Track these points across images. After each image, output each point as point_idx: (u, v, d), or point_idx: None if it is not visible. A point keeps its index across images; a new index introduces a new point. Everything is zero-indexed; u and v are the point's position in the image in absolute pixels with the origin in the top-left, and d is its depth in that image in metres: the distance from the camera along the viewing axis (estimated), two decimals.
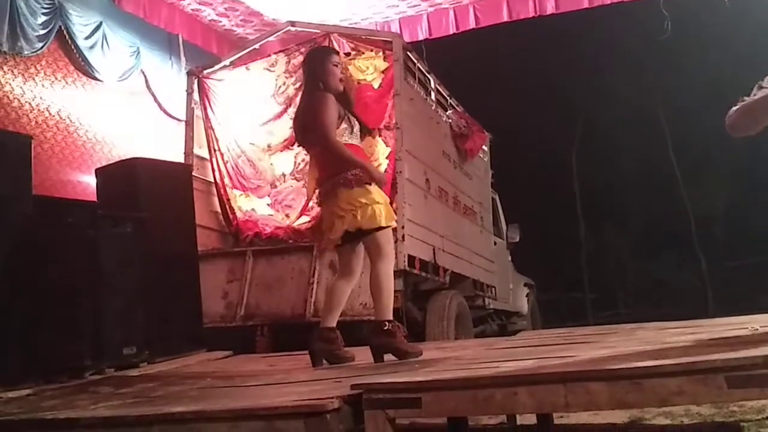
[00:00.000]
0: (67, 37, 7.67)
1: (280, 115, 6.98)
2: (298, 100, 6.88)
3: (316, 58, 4.14)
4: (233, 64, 7.34)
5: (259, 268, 6.22)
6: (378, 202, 3.83)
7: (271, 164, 7.09)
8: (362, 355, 3.99)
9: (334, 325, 3.97)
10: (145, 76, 8.77)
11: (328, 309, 4.00)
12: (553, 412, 3.61)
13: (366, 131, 4.19)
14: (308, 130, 3.99)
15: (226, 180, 7.07)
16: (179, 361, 4.84)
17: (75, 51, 7.79)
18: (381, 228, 3.85)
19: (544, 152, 19.08)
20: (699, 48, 16.38)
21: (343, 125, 3.91)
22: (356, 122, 4.04)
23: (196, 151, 6.99)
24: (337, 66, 4.05)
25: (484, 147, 8.69)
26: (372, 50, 6.75)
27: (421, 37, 9.50)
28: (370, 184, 3.85)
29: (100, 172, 5.57)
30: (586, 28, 15.06)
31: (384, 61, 6.62)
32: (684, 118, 18.13)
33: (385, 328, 3.81)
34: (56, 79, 7.66)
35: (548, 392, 2.15)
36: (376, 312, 3.91)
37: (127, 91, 8.54)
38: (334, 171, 3.87)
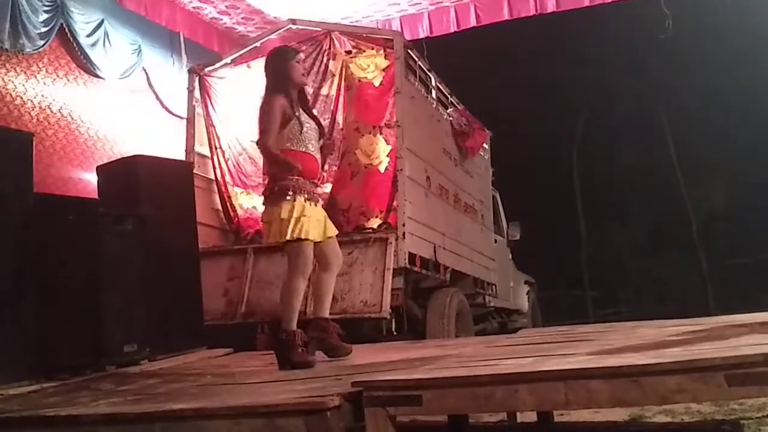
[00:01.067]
0: (68, 34, 7.68)
1: None
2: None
3: (276, 58, 4.23)
4: (234, 62, 7.33)
5: (260, 265, 6.22)
6: (282, 218, 3.93)
7: None
8: (362, 352, 4.00)
9: (327, 315, 4.10)
10: (146, 74, 8.77)
11: (317, 301, 4.16)
12: (554, 410, 3.61)
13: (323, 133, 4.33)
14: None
15: (227, 177, 7.07)
16: (180, 358, 4.85)
17: (77, 48, 7.79)
18: (287, 242, 3.95)
19: (545, 150, 19.06)
20: (701, 47, 16.35)
21: (292, 128, 4.00)
22: (310, 122, 4.12)
23: (198, 148, 7.00)
24: (298, 63, 4.19)
25: (484, 145, 8.70)
26: (373, 48, 6.75)
27: (422, 35, 9.50)
28: (285, 200, 3.94)
29: (101, 170, 5.57)
30: (587, 27, 15.03)
31: (385, 59, 6.62)
32: (685, 117, 18.12)
33: (282, 337, 3.88)
34: (58, 76, 7.66)
35: (548, 390, 2.15)
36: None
37: (129, 88, 8.54)
38: (267, 178, 4.09)
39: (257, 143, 4.13)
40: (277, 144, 3.97)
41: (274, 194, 3.99)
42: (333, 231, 4.22)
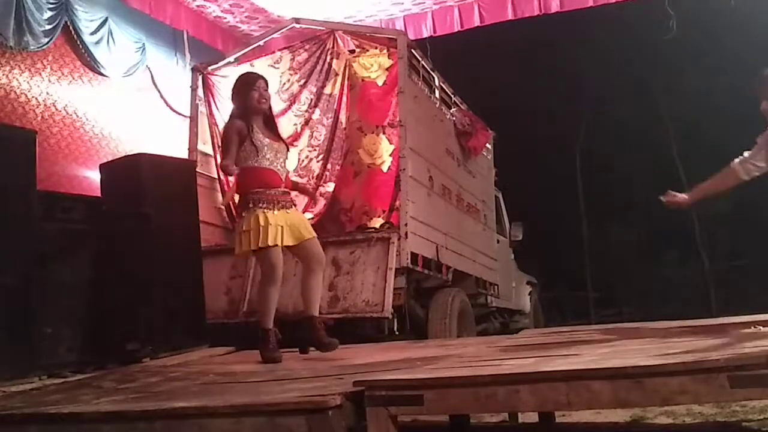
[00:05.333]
0: (73, 32, 7.67)
1: (283, 112, 6.97)
2: (302, 97, 6.97)
3: (238, 86, 4.54)
4: (238, 61, 7.34)
5: None
6: (243, 230, 4.29)
7: None
8: (364, 351, 4.00)
9: (315, 313, 4.47)
10: (150, 72, 8.77)
11: (304, 301, 4.51)
12: (555, 411, 3.61)
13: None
14: None
15: (230, 176, 7.07)
16: (182, 356, 4.85)
17: (81, 46, 7.79)
18: (254, 251, 4.32)
19: (548, 150, 19.06)
20: (705, 47, 16.33)
21: (249, 147, 4.31)
22: (269, 143, 4.39)
23: (200, 147, 7.01)
24: (256, 90, 4.43)
25: (487, 145, 8.69)
26: (376, 47, 6.75)
27: (425, 35, 9.49)
28: (245, 213, 4.30)
29: (104, 168, 5.57)
30: (590, 27, 15.03)
31: (388, 58, 6.63)
32: (689, 117, 18.09)
33: (258, 334, 4.39)
34: (62, 74, 7.66)
35: (550, 390, 2.15)
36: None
37: (133, 86, 8.53)
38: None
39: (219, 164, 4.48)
40: (240, 162, 4.32)
41: (240, 208, 4.39)
42: (310, 233, 4.47)
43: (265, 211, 4.26)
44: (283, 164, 4.51)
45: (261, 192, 4.30)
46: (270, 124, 4.56)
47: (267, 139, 4.40)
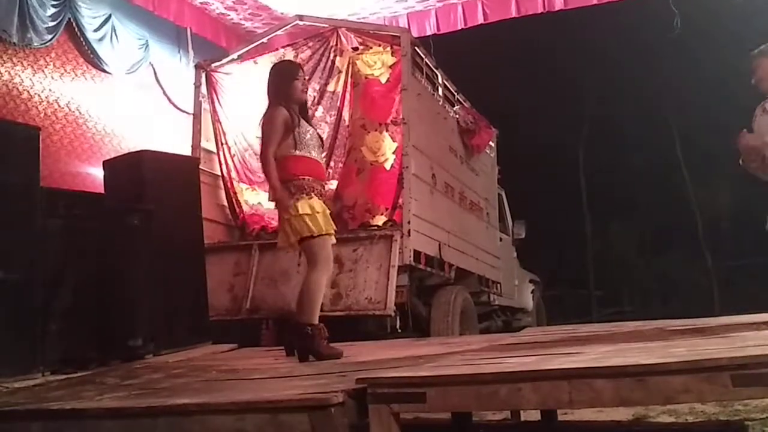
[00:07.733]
0: (76, 29, 7.69)
1: None
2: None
3: (279, 75, 4.46)
4: (241, 58, 7.33)
5: (265, 261, 6.23)
6: (300, 214, 4.10)
7: None
8: (366, 349, 3.99)
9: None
10: (153, 69, 8.78)
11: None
12: (557, 409, 3.61)
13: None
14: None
15: (233, 173, 7.08)
16: (185, 353, 4.85)
17: (84, 43, 7.81)
18: (311, 237, 4.12)
19: (551, 149, 19.05)
20: (709, 45, 16.29)
21: (294, 137, 4.21)
22: (311, 131, 4.36)
23: (204, 144, 7.01)
24: (299, 80, 4.38)
25: (490, 143, 8.68)
26: (380, 45, 6.74)
27: (429, 32, 9.50)
28: (300, 198, 4.13)
29: (107, 165, 5.59)
30: (594, 25, 15.01)
31: (392, 56, 6.62)
32: (692, 115, 18.05)
33: (308, 331, 4.04)
34: (65, 71, 7.68)
35: (552, 389, 2.15)
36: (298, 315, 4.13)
37: (136, 83, 8.55)
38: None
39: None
40: (282, 151, 4.21)
41: (288, 194, 4.16)
42: (333, 228, 4.37)
43: (317, 199, 4.20)
44: (321, 155, 4.49)
45: (311, 180, 4.21)
46: (306, 114, 4.50)
47: (310, 129, 4.39)
